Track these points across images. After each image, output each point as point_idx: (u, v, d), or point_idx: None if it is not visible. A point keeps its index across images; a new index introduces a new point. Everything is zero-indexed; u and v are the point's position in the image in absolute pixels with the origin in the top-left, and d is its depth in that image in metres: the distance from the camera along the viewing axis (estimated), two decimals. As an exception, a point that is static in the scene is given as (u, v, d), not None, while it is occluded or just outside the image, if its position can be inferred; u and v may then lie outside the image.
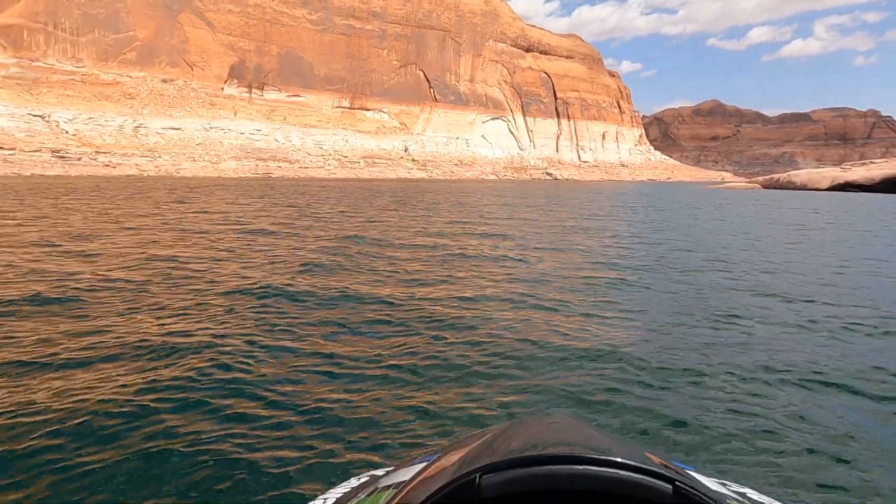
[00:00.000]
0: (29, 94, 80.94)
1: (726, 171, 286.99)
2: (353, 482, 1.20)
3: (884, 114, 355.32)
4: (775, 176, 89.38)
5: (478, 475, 0.61)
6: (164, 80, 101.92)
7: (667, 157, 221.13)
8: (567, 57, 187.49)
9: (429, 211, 27.33)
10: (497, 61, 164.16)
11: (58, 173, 66.52)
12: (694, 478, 0.64)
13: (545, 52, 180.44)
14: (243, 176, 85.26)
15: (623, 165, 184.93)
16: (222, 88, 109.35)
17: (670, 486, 0.60)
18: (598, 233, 19.60)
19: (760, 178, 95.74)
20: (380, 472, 1.17)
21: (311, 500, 1.14)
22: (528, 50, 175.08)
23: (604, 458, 0.61)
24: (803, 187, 78.02)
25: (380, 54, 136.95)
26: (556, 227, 21.19)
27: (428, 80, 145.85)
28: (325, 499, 1.12)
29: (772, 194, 63.24)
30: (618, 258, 13.09)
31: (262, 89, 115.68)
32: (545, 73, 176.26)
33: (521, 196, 46.22)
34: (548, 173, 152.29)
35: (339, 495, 1.11)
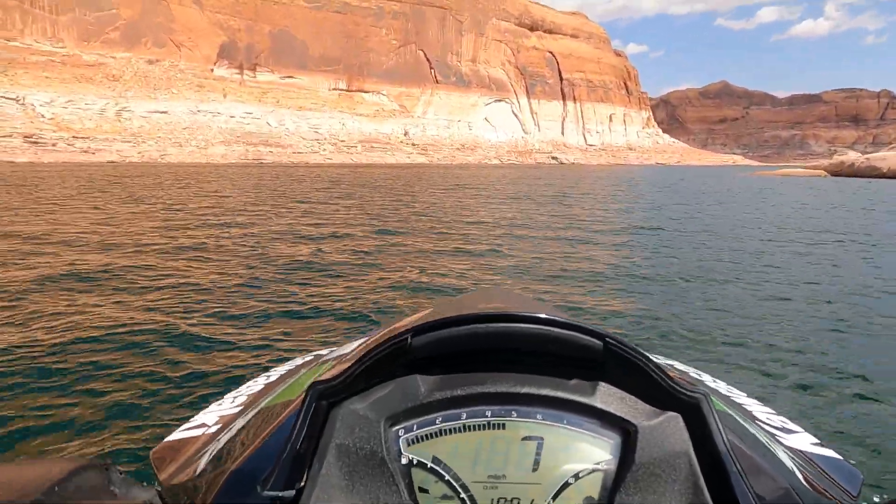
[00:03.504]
0: (3, 75, 76.25)
1: (735, 154, 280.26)
2: (298, 360, 1.24)
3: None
4: (846, 160, 71.15)
5: (409, 336, 0.63)
6: (150, 61, 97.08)
7: (675, 140, 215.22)
8: (572, 36, 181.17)
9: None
10: (500, 40, 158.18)
11: (29, 160, 62.12)
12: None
13: (550, 31, 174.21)
14: (232, 162, 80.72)
15: (630, 149, 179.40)
16: (212, 69, 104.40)
17: (601, 342, 0.62)
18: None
19: (825, 163, 76.26)
20: (324, 351, 1.20)
21: (255, 378, 1.17)
22: (532, 29, 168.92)
23: (534, 315, 0.63)
24: (892, 175, 57.63)
25: (378, 33, 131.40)
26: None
27: (428, 61, 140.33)
28: (268, 375, 1.16)
29: (872, 187, 40.54)
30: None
31: (254, 70, 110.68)
32: (550, 52, 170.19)
33: (526, 192, 30.97)
34: (553, 157, 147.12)
35: (283, 372, 1.14)
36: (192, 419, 0.97)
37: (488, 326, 0.62)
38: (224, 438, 0.77)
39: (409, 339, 0.63)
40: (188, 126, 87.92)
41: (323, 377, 0.64)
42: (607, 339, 0.62)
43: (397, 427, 0.61)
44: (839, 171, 67.68)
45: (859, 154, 78.87)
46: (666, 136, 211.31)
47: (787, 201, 26.44)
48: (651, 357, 0.64)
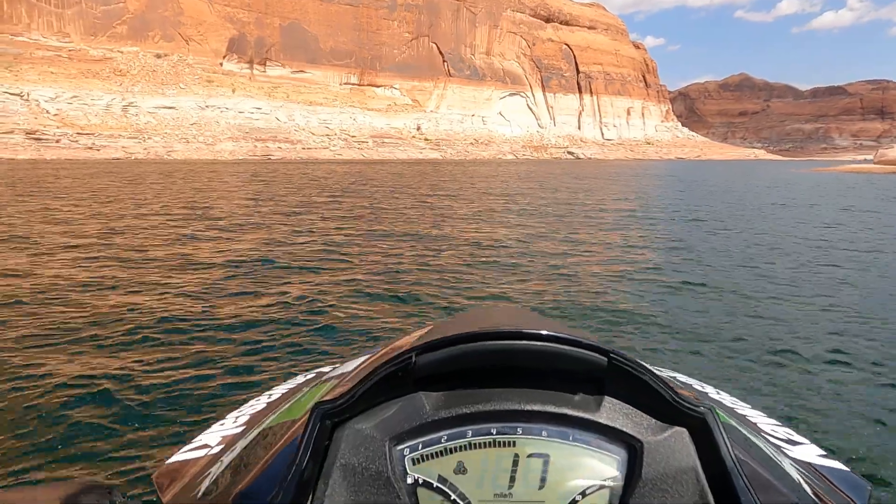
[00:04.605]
0: (7, 71, 74.86)
1: (756, 148, 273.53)
2: (300, 378, 1.21)
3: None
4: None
5: (413, 354, 0.62)
6: (158, 56, 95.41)
7: (694, 134, 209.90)
8: (590, 28, 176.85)
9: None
10: (515, 33, 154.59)
11: (31, 157, 60.54)
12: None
13: (566, 23, 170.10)
14: (240, 158, 78.75)
15: (649, 143, 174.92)
16: (221, 64, 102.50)
17: (605, 358, 0.61)
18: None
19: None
20: (326, 368, 1.18)
21: (256, 396, 1.14)
22: (547, 20, 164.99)
23: (537, 332, 0.62)
24: None
25: (390, 26, 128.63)
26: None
27: (441, 54, 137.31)
28: (270, 394, 1.13)
29: None
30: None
31: (264, 65, 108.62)
32: (566, 45, 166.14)
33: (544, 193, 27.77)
34: (569, 152, 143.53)
35: (284, 390, 1.12)
36: (194, 440, 0.95)
37: (492, 344, 0.62)
38: (227, 459, 0.76)
39: (413, 358, 0.63)
40: (196, 122, 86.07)
41: (326, 397, 0.64)
42: (611, 354, 0.62)
43: (402, 446, 0.61)
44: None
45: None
46: (685, 129, 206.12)
47: None
48: (656, 371, 0.64)
